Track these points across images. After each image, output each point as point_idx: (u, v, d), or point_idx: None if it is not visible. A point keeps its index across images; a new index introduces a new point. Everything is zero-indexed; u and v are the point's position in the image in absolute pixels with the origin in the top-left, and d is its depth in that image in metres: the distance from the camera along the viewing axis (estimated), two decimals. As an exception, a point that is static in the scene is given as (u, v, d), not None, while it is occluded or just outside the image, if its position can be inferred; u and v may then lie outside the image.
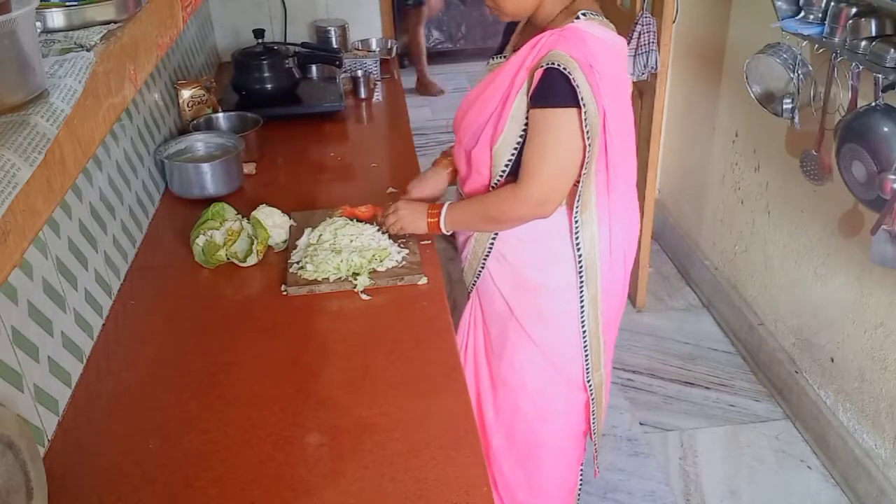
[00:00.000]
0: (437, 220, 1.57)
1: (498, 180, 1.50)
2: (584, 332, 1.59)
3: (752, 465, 2.30)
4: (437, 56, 5.69)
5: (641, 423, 2.46)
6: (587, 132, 1.38)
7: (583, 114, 1.36)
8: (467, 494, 1.06)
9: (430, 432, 1.17)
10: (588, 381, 1.65)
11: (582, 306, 1.57)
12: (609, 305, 1.61)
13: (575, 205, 1.48)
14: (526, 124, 1.42)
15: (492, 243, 1.59)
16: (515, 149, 1.46)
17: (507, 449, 1.75)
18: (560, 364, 1.63)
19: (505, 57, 1.53)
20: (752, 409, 2.51)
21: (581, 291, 1.55)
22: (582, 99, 1.34)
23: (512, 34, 1.65)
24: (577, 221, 1.50)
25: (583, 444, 1.80)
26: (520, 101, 1.42)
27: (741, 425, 2.44)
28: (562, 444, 1.74)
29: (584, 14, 1.40)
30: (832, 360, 2.26)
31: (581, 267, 1.53)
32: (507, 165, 1.48)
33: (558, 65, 1.34)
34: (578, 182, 1.46)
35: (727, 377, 2.66)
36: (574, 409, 1.70)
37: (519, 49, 1.44)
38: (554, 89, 1.35)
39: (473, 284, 1.68)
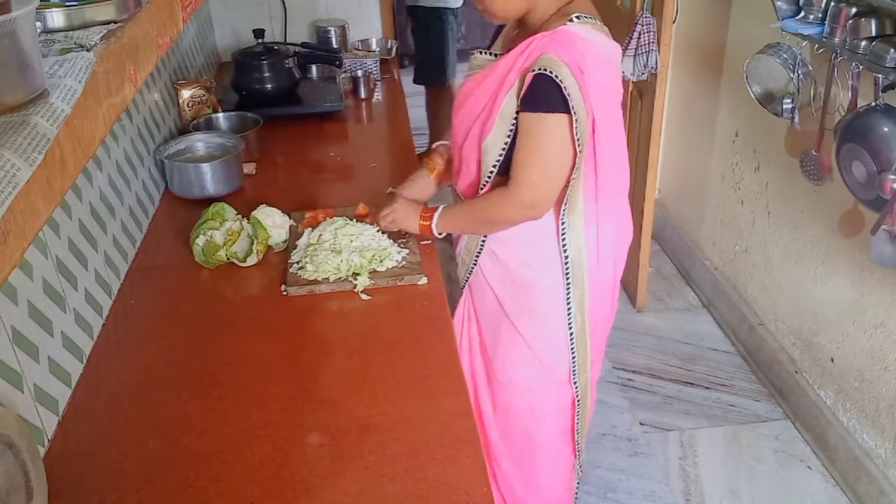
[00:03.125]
0: (428, 223, 1.58)
1: (488, 178, 1.51)
2: (571, 332, 1.60)
3: (752, 465, 2.30)
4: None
5: (641, 423, 2.46)
6: (577, 138, 1.38)
7: (573, 120, 1.36)
8: (467, 494, 1.06)
9: (430, 432, 1.17)
10: (574, 382, 1.66)
11: (569, 307, 1.58)
12: (597, 308, 1.61)
13: (562, 208, 1.49)
14: (513, 124, 1.43)
15: (483, 240, 1.61)
16: (504, 148, 1.46)
17: (504, 445, 1.76)
18: (549, 362, 1.64)
19: (493, 54, 1.53)
20: (752, 409, 2.51)
21: (568, 292, 1.56)
22: (573, 106, 1.34)
23: (496, 35, 1.65)
24: (563, 224, 1.50)
25: (572, 442, 1.80)
26: (509, 101, 1.42)
27: (741, 425, 2.44)
28: (555, 441, 1.75)
29: (577, 17, 1.40)
30: (832, 360, 2.26)
31: (567, 268, 1.54)
32: (496, 164, 1.48)
33: (549, 71, 1.34)
34: (567, 185, 1.46)
35: (727, 377, 2.66)
36: (564, 407, 1.71)
37: (511, 49, 1.44)
38: (545, 95, 1.35)
39: (466, 280, 1.69)
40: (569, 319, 1.59)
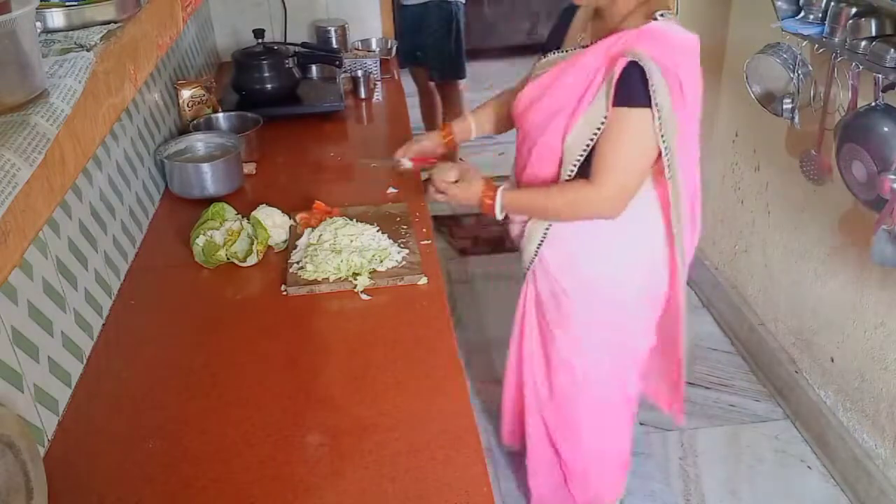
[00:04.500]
0: (492, 202, 1.54)
1: (569, 175, 1.50)
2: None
3: (752, 465, 2.30)
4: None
5: (641, 423, 2.46)
6: (662, 135, 1.38)
7: (656, 115, 1.35)
8: (467, 494, 1.06)
9: (430, 432, 1.17)
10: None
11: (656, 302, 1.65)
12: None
13: (673, 206, 1.53)
14: (603, 120, 1.41)
15: (546, 230, 1.60)
16: (588, 145, 1.44)
17: (564, 422, 1.81)
18: (621, 334, 1.68)
19: (566, 51, 1.51)
20: (752, 409, 2.51)
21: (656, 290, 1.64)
22: (656, 102, 1.34)
23: (559, 34, 1.61)
24: (677, 232, 1.58)
25: (633, 408, 1.86)
26: (599, 98, 1.40)
27: (741, 425, 2.44)
28: (618, 405, 1.80)
29: (662, 14, 1.39)
30: (832, 360, 2.26)
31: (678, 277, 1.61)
32: (578, 160, 1.47)
33: (640, 60, 1.33)
34: (664, 187, 1.50)
35: (727, 377, 2.66)
36: (631, 372, 1.76)
37: (593, 44, 1.42)
38: (633, 88, 1.35)
39: (528, 269, 1.70)
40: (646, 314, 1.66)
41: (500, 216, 1.57)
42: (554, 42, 1.60)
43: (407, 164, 1.75)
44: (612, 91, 1.37)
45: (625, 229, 1.54)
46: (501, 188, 1.55)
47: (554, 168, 1.52)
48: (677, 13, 2.60)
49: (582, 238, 1.59)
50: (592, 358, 1.70)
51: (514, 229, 1.70)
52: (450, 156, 1.70)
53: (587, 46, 1.44)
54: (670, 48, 1.37)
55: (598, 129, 1.42)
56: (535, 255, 1.64)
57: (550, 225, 1.60)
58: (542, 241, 1.62)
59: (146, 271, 1.64)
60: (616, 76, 1.35)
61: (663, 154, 1.41)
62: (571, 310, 1.65)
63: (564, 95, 1.46)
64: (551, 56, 1.54)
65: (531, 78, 1.56)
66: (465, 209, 1.64)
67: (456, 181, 1.59)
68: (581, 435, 1.80)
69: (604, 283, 1.61)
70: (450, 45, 3.65)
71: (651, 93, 1.33)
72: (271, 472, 1.11)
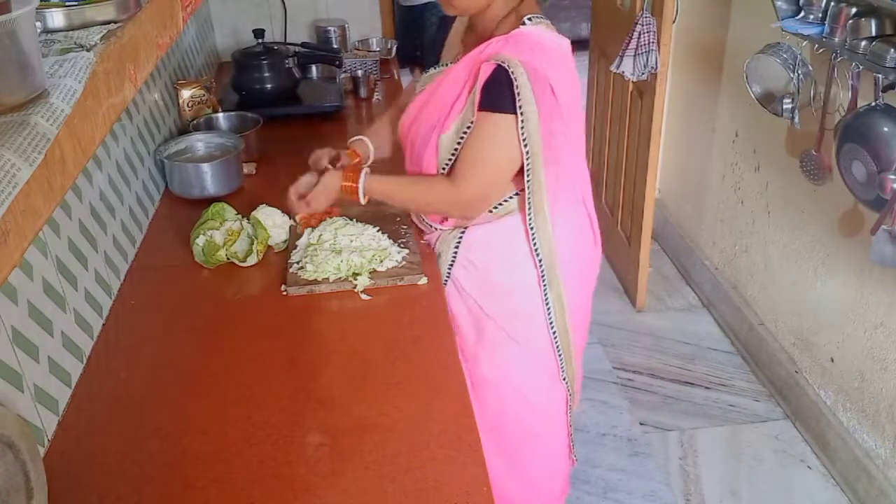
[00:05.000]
0: (354, 184, 1.50)
1: (441, 172, 1.51)
2: (554, 331, 1.60)
3: (752, 465, 2.30)
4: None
5: (641, 423, 2.46)
6: (524, 140, 1.38)
7: (520, 121, 1.36)
8: (467, 494, 1.06)
9: (430, 432, 1.17)
10: (564, 378, 1.67)
11: (548, 307, 1.58)
12: (574, 303, 1.62)
13: (528, 210, 1.49)
14: (469, 126, 1.42)
15: (455, 251, 1.59)
16: (456, 148, 1.46)
17: (494, 445, 1.73)
18: (540, 358, 1.64)
19: (444, 65, 1.54)
20: (752, 409, 2.51)
21: (545, 293, 1.56)
22: (520, 107, 1.34)
23: (438, 49, 1.65)
24: (532, 227, 1.51)
25: (566, 433, 1.81)
26: (468, 104, 1.42)
27: (741, 425, 2.44)
28: (549, 430, 1.75)
29: (530, 19, 1.39)
30: (832, 360, 2.26)
31: (542, 270, 1.54)
32: (447, 163, 1.48)
33: (506, 64, 1.33)
34: (524, 189, 1.46)
35: (727, 377, 2.66)
36: (557, 398, 1.72)
37: (464, 55, 1.44)
38: (498, 92, 1.36)
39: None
40: (550, 319, 1.59)
41: (363, 199, 1.51)
42: (433, 57, 1.62)
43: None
44: (477, 95, 1.38)
45: (524, 240, 1.54)
46: (366, 170, 1.52)
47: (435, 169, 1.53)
48: (677, 13, 2.60)
49: (491, 255, 1.58)
50: (520, 378, 1.66)
51: (431, 239, 1.68)
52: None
53: (461, 58, 1.45)
54: (539, 52, 1.37)
55: (465, 132, 1.43)
56: (448, 277, 1.62)
57: (458, 246, 1.58)
58: (451, 263, 1.61)
59: (146, 271, 1.64)
60: (482, 80, 1.36)
61: (524, 160, 1.41)
62: (493, 330, 1.61)
63: (438, 110, 1.47)
64: (430, 72, 1.57)
65: (414, 97, 1.57)
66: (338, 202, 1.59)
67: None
68: (512, 460, 1.74)
69: (518, 297, 1.59)
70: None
71: (516, 98, 1.34)
72: (271, 472, 1.11)
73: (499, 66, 1.35)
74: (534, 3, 1.46)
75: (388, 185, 1.54)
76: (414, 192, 1.54)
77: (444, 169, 1.50)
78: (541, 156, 1.42)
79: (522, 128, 1.37)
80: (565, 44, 1.46)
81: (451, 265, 1.61)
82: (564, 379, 1.68)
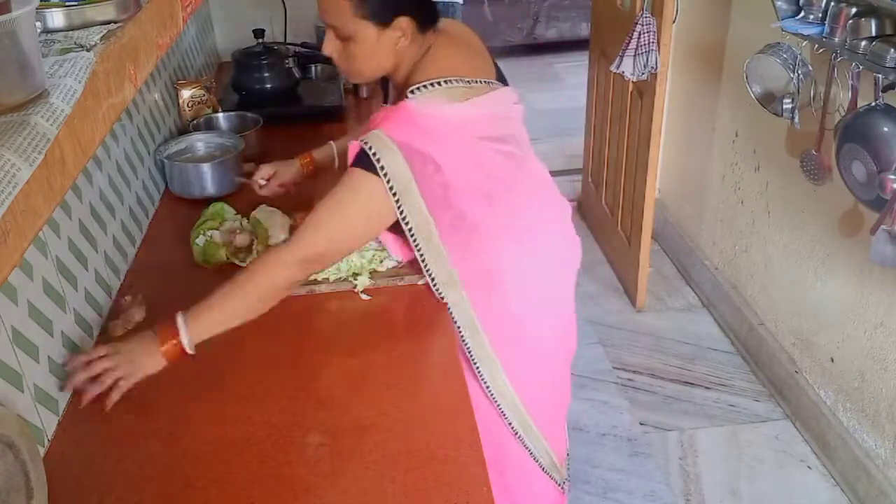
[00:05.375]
0: (176, 340, 1.22)
1: None
2: (489, 388, 1.50)
3: (752, 465, 2.30)
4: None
5: (641, 423, 2.46)
6: (396, 199, 1.26)
7: (386, 184, 1.25)
8: (467, 494, 1.06)
9: (430, 432, 1.17)
10: (510, 423, 1.56)
11: (487, 387, 1.49)
12: (522, 367, 1.52)
13: (432, 286, 1.40)
14: None
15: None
16: None
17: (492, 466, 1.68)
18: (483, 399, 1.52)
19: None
20: (752, 409, 2.51)
21: (477, 367, 1.47)
22: (386, 174, 1.24)
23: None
24: (444, 299, 1.42)
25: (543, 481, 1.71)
26: None
27: (741, 425, 2.44)
28: (515, 464, 1.63)
29: (419, 88, 1.29)
30: (832, 360, 2.26)
31: (468, 348, 1.44)
32: None
33: (370, 147, 1.25)
34: (422, 260, 1.36)
35: (727, 377, 2.66)
36: (510, 437, 1.59)
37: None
38: (360, 160, 1.27)
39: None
40: (490, 393, 1.50)
41: (190, 350, 1.24)
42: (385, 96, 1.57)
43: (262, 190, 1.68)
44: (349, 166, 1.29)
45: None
46: (180, 316, 1.24)
47: None
48: (677, 13, 2.60)
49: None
50: (479, 409, 1.57)
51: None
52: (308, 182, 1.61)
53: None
54: (417, 129, 1.27)
55: None
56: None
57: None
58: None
59: (146, 271, 1.64)
60: (351, 154, 1.29)
61: (401, 220, 1.29)
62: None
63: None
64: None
65: None
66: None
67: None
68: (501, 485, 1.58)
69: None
70: None
71: (377, 166, 1.24)
72: (271, 472, 1.11)
73: (361, 148, 1.27)
74: (444, 52, 1.35)
75: (209, 309, 1.26)
76: (242, 288, 1.28)
77: None
78: (433, 224, 1.32)
79: (391, 188, 1.25)
80: (462, 113, 1.31)
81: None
82: (510, 423, 1.55)
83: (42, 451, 1.14)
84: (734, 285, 2.85)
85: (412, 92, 1.30)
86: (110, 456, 1.15)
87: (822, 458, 2.29)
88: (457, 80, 1.32)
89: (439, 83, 1.31)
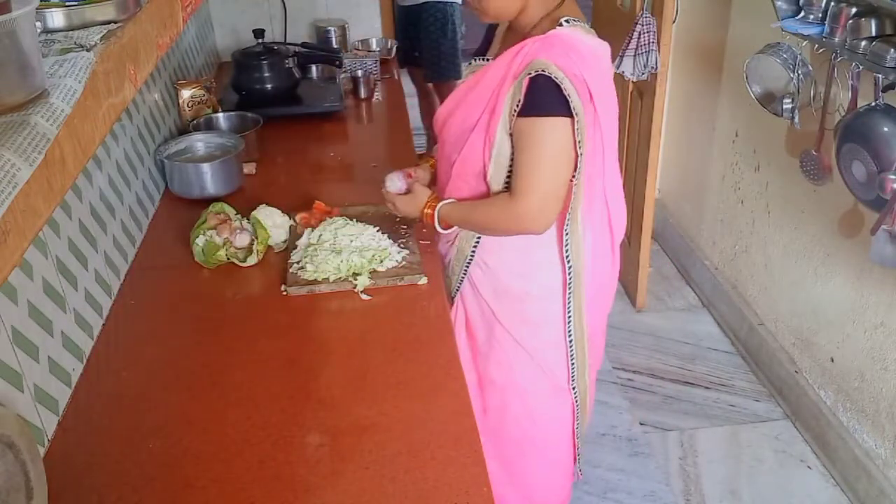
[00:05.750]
0: (432, 211, 1.52)
1: (503, 188, 1.47)
2: (571, 340, 1.58)
3: (752, 465, 2.30)
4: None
5: (641, 423, 2.46)
6: (579, 141, 1.35)
7: (575, 123, 1.33)
8: (467, 494, 1.06)
9: (430, 432, 1.17)
10: (573, 388, 1.65)
11: (569, 315, 1.56)
12: (595, 314, 1.60)
13: (567, 216, 1.47)
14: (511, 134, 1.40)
15: (473, 250, 1.57)
16: (512, 159, 1.42)
17: (493, 447, 1.71)
18: (547, 367, 1.62)
19: (488, 59, 1.50)
20: (752, 409, 2.51)
21: (568, 301, 1.54)
22: (574, 107, 1.32)
23: (493, 35, 1.62)
24: (567, 232, 1.48)
25: (572, 446, 1.78)
26: (507, 112, 1.38)
27: (741, 425, 2.44)
28: (553, 444, 1.73)
29: (566, 21, 1.38)
30: (832, 360, 2.26)
31: (570, 277, 1.52)
32: (507, 175, 1.44)
33: (546, 72, 1.31)
34: (570, 193, 1.44)
35: (727, 377, 2.66)
36: (562, 411, 1.69)
37: (500, 55, 1.42)
38: (545, 98, 1.33)
39: (457, 290, 1.65)
40: (568, 327, 1.57)
41: (438, 228, 1.52)
42: (483, 48, 1.60)
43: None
44: (519, 103, 1.34)
45: (550, 243, 1.52)
46: (442, 201, 1.52)
47: (476, 183, 1.49)
48: (677, 13, 2.60)
49: (507, 258, 1.55)
50: (524, 385, 1.64)
51: (442, 248, 1.66)
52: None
53: (497, 57, 1.43)
54: (576, 55, 1.35)
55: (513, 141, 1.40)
56: (465, 274, 1.60)
57: (477, 245, 1.56)
58: (469, 261, 1.58)
59: (146, 271, 1.64)
60: (524, 89, 1.34)
61: (579, 162, 1.38)
62: (502, 334, 1.60)
63: (475, 109, 1.44)
64: (474, 63, 1.53)
65: (455, 90, 1.55)
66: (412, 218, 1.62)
67: (406, 191, 1.58)
68: (511, 465, 1.71)
69: (531, 304, 1.57)
70: (444, 45, 3.64)
71: (567, 97, 1.31)
72: (271, 472, 1.11)
73: (539, 74, 1.32)
74: (573, 6, 1.44)
75: (456, 212, 1.50)
76: (481, 214, 1.48)
77: (505, 184, 1.46)
78: (585, 161, 1.40)
79: (577, 129, 1.34)
80: (603, 49, 1.44)
81: (469, 263, 1.59)
82: (574, 389, 1.65)
83: (42, 451, 1.14)
84: (734, 285, 2.85)
85: (566, 21, 1.38)
86: (110, 456, 1.15)
87: (822, 458, 2.29)
88: (583, 23, 1.42)
89: (577, 21, 1.40)
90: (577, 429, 1.73)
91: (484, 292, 1.59)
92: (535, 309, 1.57)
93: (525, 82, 1.33)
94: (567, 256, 1.51)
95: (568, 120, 1.33)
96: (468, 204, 1.51)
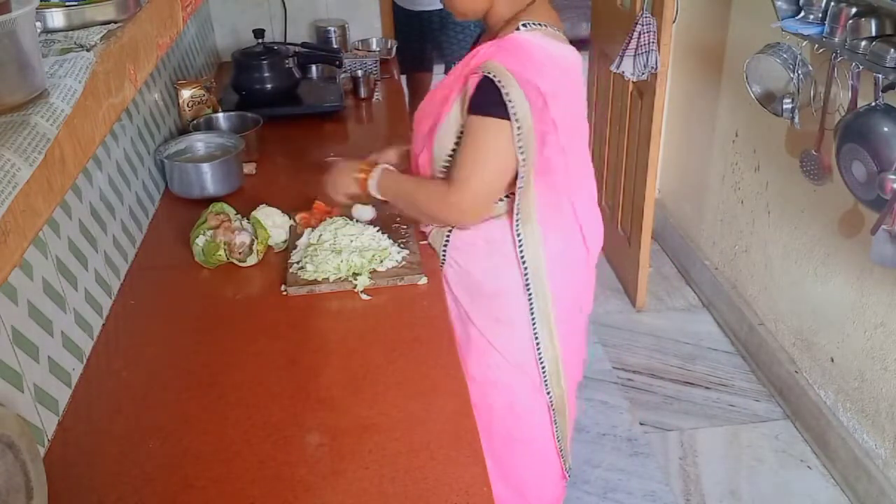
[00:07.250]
0: (365, 177, 1.54)
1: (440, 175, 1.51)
2: (538, 342, 1.57)
3: (752, 465, 2.30)
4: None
5: (641, 423, 2.46)
6: (520, 147, 1.37)
7: (515, 128, 1.35)
8: (467, 494, 1.06)
9: (430, 432, 1.17)
10: (548, 392, 1.63)
11: (533, 317, 1.56)
12: (564, 316, 1.59)
13: (515, 218, 1.48)
14: (461, 129, 1.42)
15: (444, 250, 1.59)
16: (452, 151, 1.46)
17: (485, 443, 1.72)
18: (523, 366, 1.61)
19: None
20: (752, 409, 2.51)
21: (530, 302, 1.54)
22: (514, 114, 1.34)
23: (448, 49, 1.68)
24: (519, 234, 1.50)
25: (554, 447, 1.76)
26: (457, 106, 1.42)
27: (741, 425, 2.44)
28: (536, 437, 1.72)
29: (524, 25, 1.38)
30: (832, 360, 2.26)
31: (527, 278, 1.52)
32: (444, 167, 1.49)
33: (492, 75, 1.33)
34: (514, 195, 1.46)
35: (727, 377, 2.66)
36: (540, 412, 1.68)
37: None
38: (488, 99, 1.35)
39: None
40: (534, 329, 1.56)
41: (374, 192, 1.54)
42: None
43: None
44: (467, 101, 1.38)
45: (505, 243, 1.52)
46: (382, 167, 1.54)
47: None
48: (677, 13, 2.60)
49: (476, 255, 1.56)
50: (504, 381, 1.62)
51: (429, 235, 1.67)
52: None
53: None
54: (529, 60, 1.36)
55: (458, 137, 1.43)
56: (441, 266, 1.61)
57: (447, 244, 1.58)
58: (442, 262, 1.60)
59: (146, 271, 1.64)
60: (471, 89, 1.37)
61: (520, 166, 1.40)
62: (475, 334, 1.60)
63: (434, 107, 1.48)
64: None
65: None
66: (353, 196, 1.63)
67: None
68: (500, 461, 1.67)
69: (501, 301, 1.57)
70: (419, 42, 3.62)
71: (507, 105, 1.33)
72: (271, 472, 1.11)
73: (485, 76, 1.35)
74: (544, 8, 1.44)
75: (394, 182, 1.53)
76: (416, 198, 1.52)
77: (441, 173, 1.50)
78: (533, 164, 1.41)
79: (518, 133, 1.36)
80: (563, 54, 1.44)
81: (442, 263, 1.61)
82: (549, 394, 1.63)
83: (42, 451, 1.14)
84: (734, 285, 2.85)
85: (524, 25, 1.38)
86: (110, 456, 1.15)
87: (822, 458, 2.30)
88: (561, 32, 1.42)
89: (546, 26, 1.40)
90: (557, 431, 1.71)
91: (458, 292, 1.60)
92: (506, 308, 1.57)
93: (472, 81, 1.37)
94: (522, 258, 1.51)
95: (506, 123, 1.35)
96: (406, 178, 1.56)
